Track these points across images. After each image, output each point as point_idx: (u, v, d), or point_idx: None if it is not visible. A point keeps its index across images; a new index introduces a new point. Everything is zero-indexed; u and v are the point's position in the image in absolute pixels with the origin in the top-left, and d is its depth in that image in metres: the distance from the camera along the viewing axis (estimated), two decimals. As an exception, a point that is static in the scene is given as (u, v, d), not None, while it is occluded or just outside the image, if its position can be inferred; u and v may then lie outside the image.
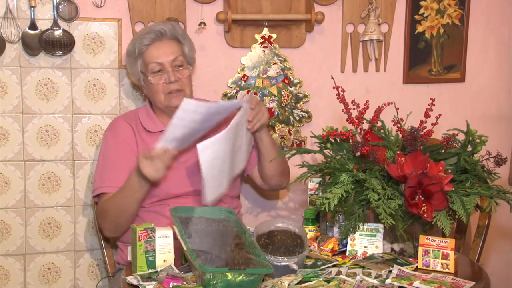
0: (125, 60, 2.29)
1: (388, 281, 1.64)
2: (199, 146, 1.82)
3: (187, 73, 2.15)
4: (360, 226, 1.85)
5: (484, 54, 2.87)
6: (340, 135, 1.92)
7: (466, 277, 1.69)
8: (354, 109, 1.97)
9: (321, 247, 1.91)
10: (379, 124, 1.94)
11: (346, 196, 1.79)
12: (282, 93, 2.61)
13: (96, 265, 2.52)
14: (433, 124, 1.94)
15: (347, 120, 1.97)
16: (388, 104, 1.98)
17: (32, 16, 2.32)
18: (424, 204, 1.74)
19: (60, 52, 2.36)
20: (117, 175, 2.07)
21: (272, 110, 2.61)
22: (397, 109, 1.93)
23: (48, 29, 2.34)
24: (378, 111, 1.95)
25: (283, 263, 1.68)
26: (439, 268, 1.75)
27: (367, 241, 1.86)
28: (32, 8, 2.31)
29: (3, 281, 2.42)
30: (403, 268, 1.72)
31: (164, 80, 2.11)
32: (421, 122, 1.93)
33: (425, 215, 1.73)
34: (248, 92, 2.58)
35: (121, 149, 2.12)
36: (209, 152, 1.84)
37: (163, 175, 1.92)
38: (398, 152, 1.79)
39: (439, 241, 1.76)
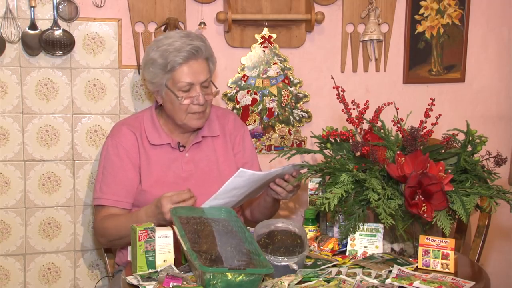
0: (144, 66, 2.10)
1: (388, 281, 1.64)
2: (242, 170, 1.84)
3: (212, 97, 2.13)
4: (360, 226, 1.85)
5: (484, 54, 2.87)
6: (340, 135, 1.92)
7: (466, 277, 1.69)
8: (354, 109, 1.97)
9: (321, 247, 1.91)
10: (379, 124, 1.94)
11: (346, 196, 1.79)
12: (282, 93, 2.61)
13: (96, 265, 2.52)
14: (433, 124, 1.94)
15: (347, 120, 1.97)
16: (388, 104, 1.98)
17: (32, 16, 2.31)
18: (424, 204, 1.73)
19: (60, 52, 2.35)
20: (116, 189, 2.08)
21: (272, 110, 2.61)
22: (397, 109, 1.93)
23: (48, 29, 2.34)
24: (378, 111, 1.95)
25: (283, 263, 1.68)
26: (439, 268, 1.75)
27: (367, 241, 1.86)
28: (32, 8, 2.31)
29: (3, 281, 2.41)
30: (403, 268, 1.72)
31: (190, 101, 2.07)
32: (421, 122, 1.92)
33: (425, 215, 1.73)
34: (248, 92, 2.58)
35: (122, 161, 2.10)
36: (239, 180, 1.86)
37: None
38: (398, 152, 1.79)
39: (439, 241, 1.76)
